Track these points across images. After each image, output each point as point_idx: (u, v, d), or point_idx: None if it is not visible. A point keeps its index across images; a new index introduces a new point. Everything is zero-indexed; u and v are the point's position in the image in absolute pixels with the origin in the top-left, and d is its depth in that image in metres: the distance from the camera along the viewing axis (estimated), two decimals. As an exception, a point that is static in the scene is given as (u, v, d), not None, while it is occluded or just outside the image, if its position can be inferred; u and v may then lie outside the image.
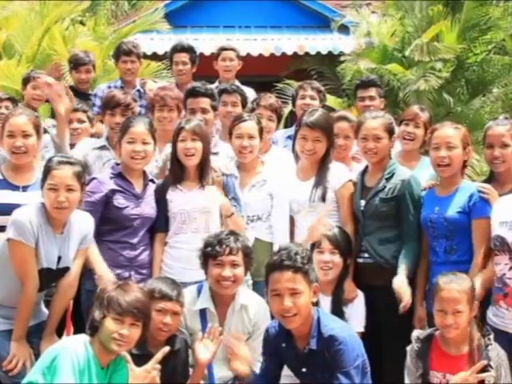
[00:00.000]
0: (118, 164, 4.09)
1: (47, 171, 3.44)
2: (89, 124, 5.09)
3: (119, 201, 3.91)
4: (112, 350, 3.04)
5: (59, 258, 3.47)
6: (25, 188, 3.72)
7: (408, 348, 3.36)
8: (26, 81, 5.53)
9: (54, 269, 3.46)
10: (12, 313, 3.42)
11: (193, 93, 4.64)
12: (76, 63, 5.88)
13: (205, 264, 3.60)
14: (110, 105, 4.45)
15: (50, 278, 3.49)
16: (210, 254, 3.56)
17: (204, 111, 4.56)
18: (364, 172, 4.13)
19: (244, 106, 5.07)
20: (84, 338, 3.11)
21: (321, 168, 4.16)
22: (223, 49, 5.99)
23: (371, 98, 5.33)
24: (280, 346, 3.21)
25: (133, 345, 3.10)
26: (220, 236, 3.61)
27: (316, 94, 5.15)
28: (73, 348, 3.01)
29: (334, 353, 3.04)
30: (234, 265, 3.55)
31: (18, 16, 8.41)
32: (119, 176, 3.99)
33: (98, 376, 3.05)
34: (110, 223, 3.89)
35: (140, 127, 3.99)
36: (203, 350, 3.37)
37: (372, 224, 3.97)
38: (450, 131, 3.79)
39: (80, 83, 5.87)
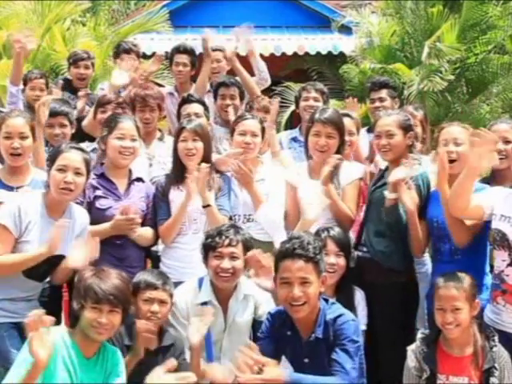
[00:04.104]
0: (102, 164, 4.07)
1: (56, 154, 3.47)
2: (70, 127, 4.66)
3: (101, 202, 3.89)
4: (93, 338, 3.03)
5: None
6: (19, 189, 3.72)
7: (411, 348, 3.33)
8: (24, 82, 5.52)
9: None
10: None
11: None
12: (75, 59, 5.92)
13: (205, 257, 3.58)
14: (101, 102, 4.49)
15: (43, 264, 3.43)
16: (209, 246, 3.55)
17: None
18: (386, 169, 4.08)
19: (242, 98, 5.10)
20: (60, 329, 3.08)
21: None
22: (212, 50, 5.90)
23: (381, 100, 5.41)
24: (285, 334, 3.16)
25: (114, 331, 3.08)
26: (220, 228, 3.61)
27: (320, 96, 5.15)
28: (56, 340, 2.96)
29: (336, 331, 3.03)
30: (233, 257, 3.52)
31: (18, 16, 8.42)
32: (101, 177, 3.97)
33: (81, 366, 3.02)
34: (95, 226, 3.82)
35: (129, 124, 4.02)
36: (193, 332, 3.29)
37: (373, 211, 3.96)
38: (457, 129, 3.85)
39: (78, 79, 5.88)
